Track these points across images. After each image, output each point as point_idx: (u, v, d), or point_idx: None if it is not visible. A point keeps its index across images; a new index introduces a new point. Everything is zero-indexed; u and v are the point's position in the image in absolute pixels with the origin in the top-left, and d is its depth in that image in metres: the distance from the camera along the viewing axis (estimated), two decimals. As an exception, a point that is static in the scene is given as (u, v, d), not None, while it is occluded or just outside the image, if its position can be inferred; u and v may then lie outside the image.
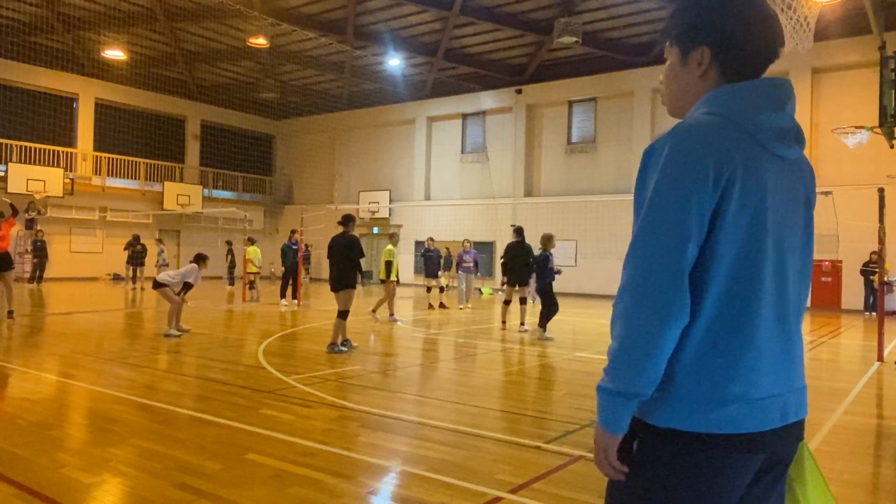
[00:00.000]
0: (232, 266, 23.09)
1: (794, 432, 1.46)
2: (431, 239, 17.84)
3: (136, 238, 22.05)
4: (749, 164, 1.38)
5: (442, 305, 16.74)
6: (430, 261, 17.28)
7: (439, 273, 17.41)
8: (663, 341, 1.33)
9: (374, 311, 13.22)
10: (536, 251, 11.60)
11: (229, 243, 23.22)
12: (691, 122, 1.40)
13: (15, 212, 11.58)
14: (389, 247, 13.33)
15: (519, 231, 12.29)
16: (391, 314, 13.07)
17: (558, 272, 11.19)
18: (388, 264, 13.13)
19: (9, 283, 11.19)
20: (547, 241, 11.26)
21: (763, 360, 1.39)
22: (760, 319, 1.38)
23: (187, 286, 10.57)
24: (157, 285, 10.30)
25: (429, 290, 17.28)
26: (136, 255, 21.72)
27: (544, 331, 10.90)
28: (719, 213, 1.35)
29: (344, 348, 8.89)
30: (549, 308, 11.01)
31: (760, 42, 1.47)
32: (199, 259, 10.70)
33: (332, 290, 9.09)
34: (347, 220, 9.47)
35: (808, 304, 19.36)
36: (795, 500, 1.51)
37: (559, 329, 13.02)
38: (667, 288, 1.32)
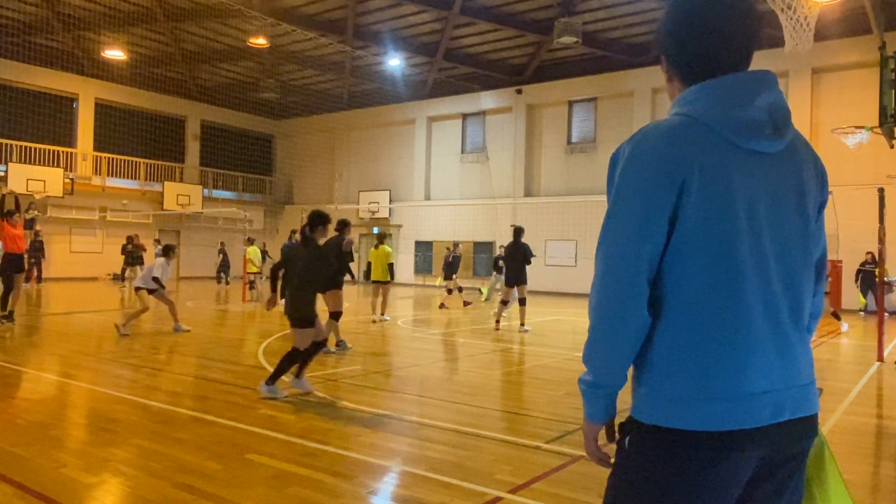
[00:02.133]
0: (225, 266, 23.33)
1: (794, 430, 1.43)
2: (456, 244, 17.77)
3: (129, 239, 21.86)
4: (712, 161, 1.38)
5: (442, 306, 16.71)
6: (452, 263, 17.48)
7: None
8: (623, 336, 1.40)
9: (382, 313, 13.09)
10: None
11: (222, 244, 23.57)
12: (654, 125, 1.44)
13: (17, 207, 11.63)
14: (388, 248, 13.23)
15: (517, 231, 12.28)
16: (382, 314, 13.14)
17: None
18: (391, 266, 13.06)
19: (19, 286, 11.22)
20: None
21: (750, 356, 1.38)
22: (744, 316, 1.38)
23: (156, 280, 10.48)
24: (138, 289, 10.46)
25: (451, 291, 17.23)
26: (129, 256, 21.54)
27: None
28: (680, 211, 1.38)
29: (333, 350, 8.79)
30: None
31: (719, 48, 1.47)
32: (167, 251, 10.65)
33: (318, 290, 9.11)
34: (343, 225, 9.44)
35: (808, 304, 19.39)
36: (812, 500, 1.50)
37: (559, 329, 13.02)
38: (623, 287, 1.39)
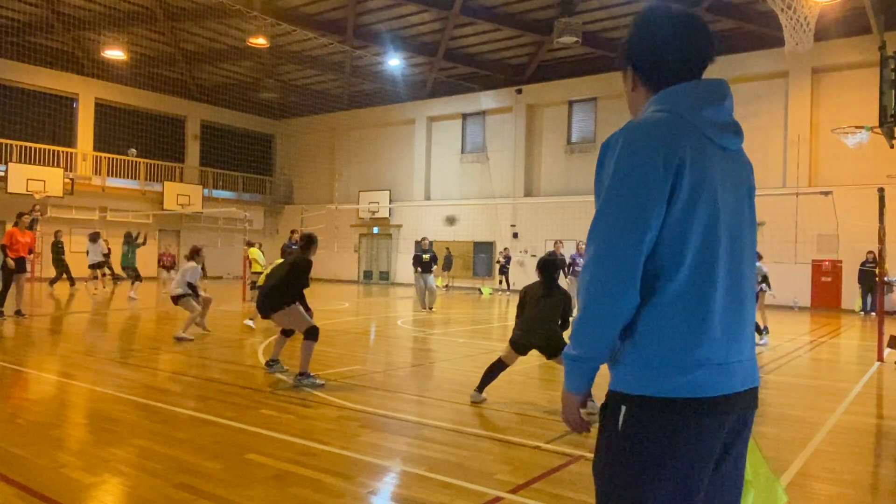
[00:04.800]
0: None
1: (751, 398, 1.62)
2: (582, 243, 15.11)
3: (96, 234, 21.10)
4: (696, 151, 1.54)
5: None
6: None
7: (434, 271, 15.59)
8: (617, 315, 1.50)
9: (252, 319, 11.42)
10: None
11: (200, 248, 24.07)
12: (642, 119, 1.60)
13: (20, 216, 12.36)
14: (253, 249, 11.65)
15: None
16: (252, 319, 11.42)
17: None
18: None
19: (21, 285, 12.02)
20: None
21: (721, 329, 1.53)
22: (717, 292, 1.53)
23: (192, 287, 10.24)
24: (176, 299, 9.95)
25: None
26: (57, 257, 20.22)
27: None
28: (675, 196, 1.51)
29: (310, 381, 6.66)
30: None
31: (679, 57, 1.66)
32: (194, 254, 10.37)
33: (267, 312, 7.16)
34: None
35: (808, 303, 19.42)
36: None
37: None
38: (622, 271, 1.49)
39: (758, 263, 12.61)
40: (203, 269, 10.69)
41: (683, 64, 1.67)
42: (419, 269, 15.44)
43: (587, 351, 1.56)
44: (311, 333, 6.78)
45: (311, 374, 6.69)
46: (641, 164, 1.50)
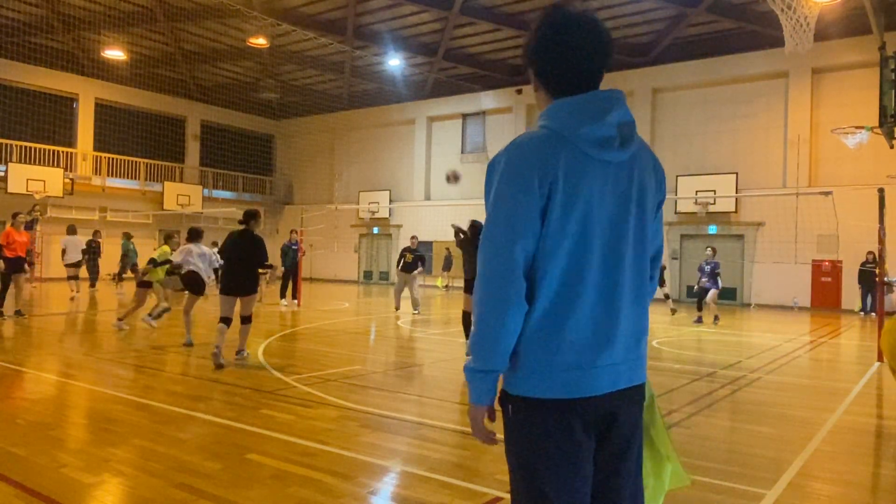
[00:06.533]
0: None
1: (629, 396, 1.72)
2: (712, 248, 14.49)
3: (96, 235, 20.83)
4: (572, 169, 1.62)
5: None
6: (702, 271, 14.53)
7: (418, 272, 15.13)
8: (507, 325, 1.61)
9: (121, 319, 10.76)
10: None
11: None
12: (524, 137, 1.68)
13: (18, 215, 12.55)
14: (165, 247, 11.02)
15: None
16: (121, 318, 10.76)
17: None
18: (153, 262, 10.84)
19: (20, 286, 12.16)
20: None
21: (592, 334, 1.64)
22: (585, 302, 1.63)
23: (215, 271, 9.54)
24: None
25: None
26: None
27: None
28: (549, 211, 1.61)
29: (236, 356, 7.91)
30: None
31: (575, 65, 1.71)
32: (196, 235, 9.61)
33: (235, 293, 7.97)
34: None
35: (808, 304, 19.41)
36: (650, 438, 1.87)
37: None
38: (505, 283, 1.59)
39: (663, 263, 13.35)
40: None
41: (581, 73, 1.72)
42: (399, 268, 15.12)
43: (486, 363, 1.64)
44: (251, 319, 8.17)
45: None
46: (518, 184, 1.60)
